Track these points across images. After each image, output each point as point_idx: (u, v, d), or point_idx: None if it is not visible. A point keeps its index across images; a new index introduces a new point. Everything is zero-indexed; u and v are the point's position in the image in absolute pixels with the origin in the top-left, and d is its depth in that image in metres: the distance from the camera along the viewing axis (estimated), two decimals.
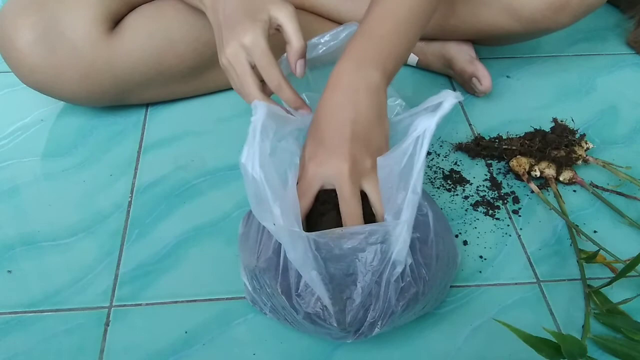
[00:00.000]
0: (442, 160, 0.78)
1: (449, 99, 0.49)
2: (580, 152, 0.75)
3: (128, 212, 0.70)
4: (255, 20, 0.57)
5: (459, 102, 0.62)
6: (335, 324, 0.51)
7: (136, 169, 0.76)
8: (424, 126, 0.48)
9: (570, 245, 0.68)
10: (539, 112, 0.86)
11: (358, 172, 0.54)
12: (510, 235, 0.69)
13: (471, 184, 0.75)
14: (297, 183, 0.55)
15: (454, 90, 0.90)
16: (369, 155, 0.55)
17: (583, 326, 0.60)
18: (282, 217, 0.48)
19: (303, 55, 0.60)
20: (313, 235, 0.50)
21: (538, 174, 0.74)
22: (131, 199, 0.72)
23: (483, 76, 0.84)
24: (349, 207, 0.54)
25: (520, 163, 0.74)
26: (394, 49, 0.60)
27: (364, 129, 0.55)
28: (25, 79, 0.75)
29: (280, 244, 0.53)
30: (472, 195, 0.74)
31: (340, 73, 0.57)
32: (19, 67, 0.73)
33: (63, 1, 0.71)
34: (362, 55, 0.58)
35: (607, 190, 0.74)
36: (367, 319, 0.52)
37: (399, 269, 0.51)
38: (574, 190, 0.75)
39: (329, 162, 0.54)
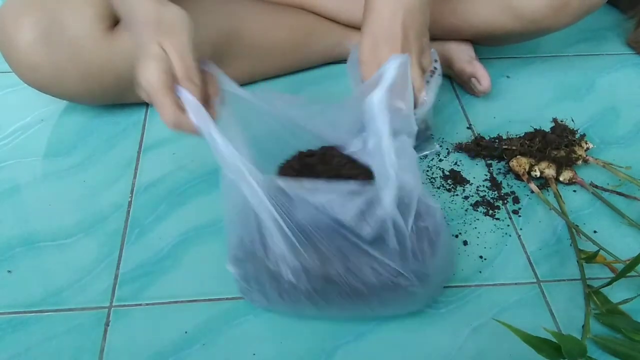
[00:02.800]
0: (442, 160, 0.78)
1: (392, 63, 0.55)
2: (580, 152, 0.75)
3: (128, 212, 0.70)
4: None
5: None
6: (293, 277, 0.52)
7: (136, 169, 0.76)
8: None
9: (570, 245, 0.68)
10: (539, 112, 0.86)
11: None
12: (510, 235, 0.69)
13: (471, 184, 0.75)
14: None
15: (454, 91, 0.90)
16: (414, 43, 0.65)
17: (583, 326, 0.60)
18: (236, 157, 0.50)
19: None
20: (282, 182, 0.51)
21: (538, 174, 0.74)
22: (131, 199, 0.72)
23: (482, 77, 0.84)
24: (416, 77, 0.64)
25: (520, 163, 0.74)
26: None
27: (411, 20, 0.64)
28: (26, 77, 0.74)
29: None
30: (472, 195, 0.74)
31: None
32: (20, 66, 0.73)
33: None
34: None
35: (607, 190, 0.74)
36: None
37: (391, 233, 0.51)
38: (574, 191, 0.75)
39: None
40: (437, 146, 0.74)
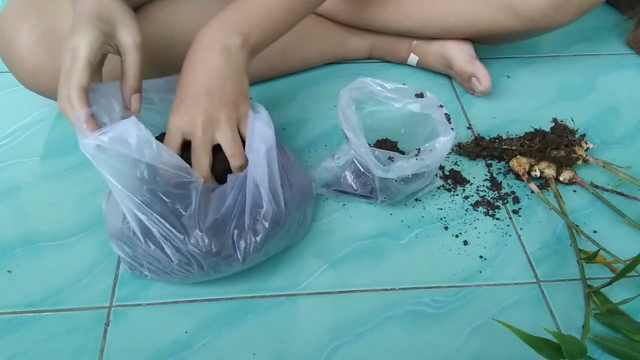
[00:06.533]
0: (442, 160, 0.78)
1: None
2: (580, 152, 0.75)
3: None
4: (94, 27, 0.57)
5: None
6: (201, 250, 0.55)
7: None
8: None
9: (570, 245, 0.68)
10: (539, 112, 0.86)
11: (210, 124, 0.59)
12: (510, 235, 0.69)
13: (471, 184, 0.75)
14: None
15: (455, 90, 0.90)
16: (223, 108, 0.59)
17: (583, 326, 0.60)
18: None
19: (138, 90, 0.61)
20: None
21: (538, 174, 0.74)
22: None
23: (482, 76, 0.84)
24: (198, 156, 0.59)
25: (520, 163, 0.74)
26: (263, 19, 0.64)
27: (217, 85, 0.60)
28: (26, 82, 0.74)
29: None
30: (472, 195, 0.74)
31: (203, 35, 0.62)
32: (20, 71, 0.73)
33: (61, 3, 0.71)
34: (226, 19, 0.62)
35: (607, 190, 0.74)
36: (238, 244, 0.57)
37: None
38: (574, 190, 0.75)
39: (185, 115, 0.59)
40: (439, 180, 0.74)
